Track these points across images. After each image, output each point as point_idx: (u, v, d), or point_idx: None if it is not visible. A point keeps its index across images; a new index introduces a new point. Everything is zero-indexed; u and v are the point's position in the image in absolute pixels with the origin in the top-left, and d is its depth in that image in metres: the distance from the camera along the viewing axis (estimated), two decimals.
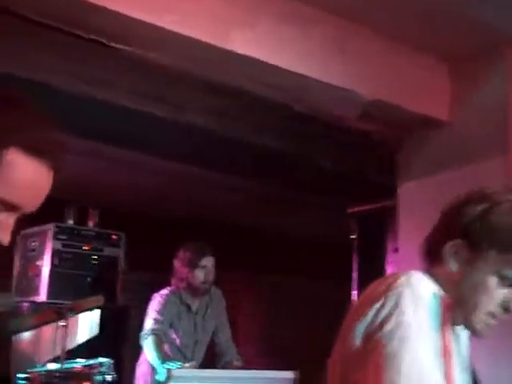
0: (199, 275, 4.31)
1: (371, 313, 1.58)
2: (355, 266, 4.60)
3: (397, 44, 3.80)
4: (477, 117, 3.97)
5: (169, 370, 3.47)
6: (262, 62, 3.32)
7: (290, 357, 5.35)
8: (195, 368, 3.92)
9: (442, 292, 1.65)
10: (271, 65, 3.34)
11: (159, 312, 4.24)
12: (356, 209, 4.58)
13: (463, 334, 1.79)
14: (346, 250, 4.65)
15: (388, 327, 1.55)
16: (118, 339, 5.13)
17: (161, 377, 3.52)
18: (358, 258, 4.62)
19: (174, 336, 4.31)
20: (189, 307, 4.38)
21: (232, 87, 3.54)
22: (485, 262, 1.65)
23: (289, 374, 3.69)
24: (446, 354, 1.65)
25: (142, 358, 4.26)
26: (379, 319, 1.57)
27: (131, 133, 3.76)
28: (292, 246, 6.02)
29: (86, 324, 3.66)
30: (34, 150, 1.21)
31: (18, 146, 1.20)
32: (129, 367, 4.88)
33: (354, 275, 4.54)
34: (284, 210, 5.36)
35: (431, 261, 1.74)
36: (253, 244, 6.25)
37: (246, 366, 4.46)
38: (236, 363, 4.33)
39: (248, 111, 3.77)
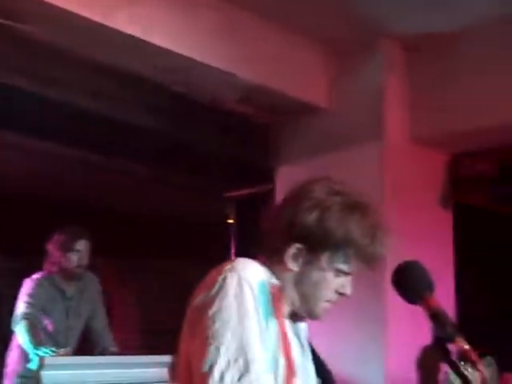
0: (73, 259, 4.19)
1: (200, 297, 1.70)
2: (233, 249, 4.64)
3: (281, 31, 3.86)
4: (354, 104, 4.10)
5: (41, 358, 3.36)
6: (145, 41, 3.26)
7: (170, 341, 5.32)
8: (69, 355, 3.83)
9: (272, 280, 1.78)
10: (155, 45, 3.29)
11: (30, 295, 4.10)
12: (234, 193, 4.60)
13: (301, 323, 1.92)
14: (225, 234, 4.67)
15: (212, 310, 1.66)
16: None
17: (33, 365, 3.39)
18: (236, 242, 4.65)
19: (46, 322, 4.18)
20: (63, 292, 4.25)
21: (113, 66, 3.45)
22: (322, 261, 1.77)
23: (166, 358, 3.66)
24: (283, 336, 1.76)
25: (13, 344, 4.10)
26: (206, 303, 1.68)
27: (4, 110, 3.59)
28: (171, 230, 5.97)
29: None
30: None
31: None
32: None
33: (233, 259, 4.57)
34: (164, 193, 5.30)
35: (269, 255, 1.83)
36: (132, 228, 6.16)
37: (125, 352, 4.41)
38: (111, 349, 4.26)
39: (128, 91, 3.69)
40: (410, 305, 1.72)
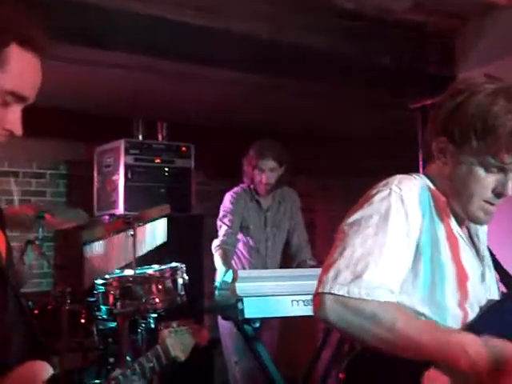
0: (258, 176, 4.37)
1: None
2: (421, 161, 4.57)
3: None
4: None
5: (235, 271, 3.61)
6: None
7: None
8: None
9: (433, 186, 1.78)
10: None
11: (231, 212, 4.39)
12: (417, 104, 4.51)
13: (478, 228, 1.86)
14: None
15: (352, 218, 1.70)
16: (194, 245, 5.35)
17: (228, 277, 3.68)
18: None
19: (247, 238, 4.47)
20: (258, 203, 4.49)
21: None
22: (467, 154, 1.71)
23: None
24: (450, 239, 1.73)
25: None
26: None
27: (183, 46, 3.81)
28: (358, 147, 5.99)
29: (154, 232, 3.84)
30: (29, 44, 1.38)
31: (17, 42, 1.36)
32: (206, 269, 5.15)
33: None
34: (345, 111, 5.32)
35: (427, 159, 1.84)
36: (331, 148, 6.26)
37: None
38: (309, 262, 4.41)
39: (297, 13, 3.73)
40: None
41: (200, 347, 2.73)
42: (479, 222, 1.80)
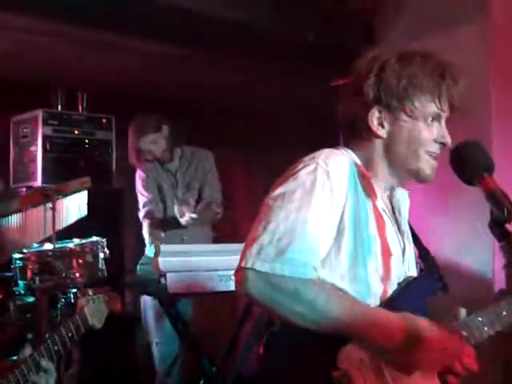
0: (148, 155, 4.44)
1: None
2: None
3: None
4: None
5: (157, 245, 3.59)
6: None
7: None
8: None
9: (359, 162, 1.80)
10: None
11: (146, 181, 4.46)
12: (339, 81, 4.54)
13: (401, 196, 1.90)
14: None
15: (276, 192, 1.71)
16: (115, 219, 5.29)
17: (150, 252, 3.66)
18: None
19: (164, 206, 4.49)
20: (167, 169, 4.54)
21: None
22: (404, 113, 1.77)
23: None
24: (376, 216, 1.76)
25: None
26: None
27: (100, 14, 3.73)
28: (276, 122, 6.04)
29: (75, 206, 3.76)
30: None
31: None
32: (127, 244, 5.10)
33: None
34: (271, 88, 5.34)
35: (350, 138, 1.85)
36: (248, 122, 6.27)
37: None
38: (213, 207, 4.42)
39: None
40: None
41: (114, 314, 2.71)
42: (428, 180, 1.83)
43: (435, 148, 1.80)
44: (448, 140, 1.80)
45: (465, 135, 1.72)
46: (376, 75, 1.76)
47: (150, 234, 4.38)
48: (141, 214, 4.49)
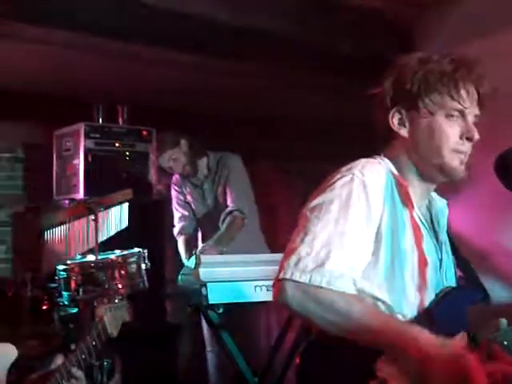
0: (171, 170, 4.51)
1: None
2: None
3: None
4: None
5: (198, 256, 3.61)
6: None
7: None
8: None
9: (395, 171, 1.81)
10: None
11: (178, 198, 4.52)
12: (376, 91, 4.54)
13: (439, 205, 1.89)
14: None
15: (314, 202, 1.73)
16: (155, 231, 5.34)
17: (191, 263, 3.69)
18: None
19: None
20: (192, 182, 4.57)
21: None
22: (422, 109, 1.79)
23: None
24: (414, 226, 1.76)
25: None
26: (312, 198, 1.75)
27: (143, 27, 3.80)
28: (318, 132, 6.04)
29: (116, 217, 3.83)
30: None
31: None
32: (167, 255, 5.15)
33: None
34: (305, 97, 5.35)
35: (383, 145, 1.88)
36: (290, 133, 6.29)
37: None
38: (238, 219, 4.27)
39: None
40: None
41: (151, 330, 2.77)
42: (457, 173, 1.82)
43: (460, 144, 1.80)
44: (474, 135, 1.80)
45: (510, 144, 1.71)
46: (394, 77, 1.80)
47: (187, 250, 4.40)
48: (175, 230, 4.55)
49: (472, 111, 1.82)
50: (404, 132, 1.81)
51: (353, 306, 1.61)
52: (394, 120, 1.80)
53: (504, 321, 1.82)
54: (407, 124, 1.81)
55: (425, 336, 1.60)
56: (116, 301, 2.72)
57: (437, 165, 1.81)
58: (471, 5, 3.96)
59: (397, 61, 1.87)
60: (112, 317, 2.62)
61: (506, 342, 1.78)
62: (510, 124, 3.50)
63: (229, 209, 4.31)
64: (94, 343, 2.52)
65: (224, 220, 4.28)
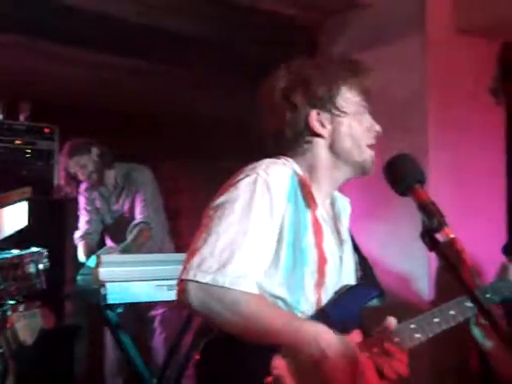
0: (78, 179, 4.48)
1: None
2: None
3: None
4: None
5: (98, 256, 3.56)
6: None
7: None
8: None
9: (300, 171, 1.83)
10: None
11: (86, 202, 4.42)
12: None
13: (342, 204, 1.94)
14: None
15: (217, 201, 1.73)
16: (56, 230, 5.22)
17: (91, 262, 3.62)
18: None
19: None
20: (101, 194, 4.53)
21: None
22: (339, 110, 1.85)
23: None
24: (315, 225, 1.79)
25: None
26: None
27: (54, 25, 3.72)
28: (221, 132, 6.07)
29: (14, 216, 3.71)
30: None
31: None
32: (68, 255, 5.04)
33: None
34: (212, 97, 5.36)
35: (284, 146, 1.88)
36: (192, 132, 6.27)
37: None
38: (145, 231, 4.31)
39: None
40: None
41: (46, 330, 2.68)
42: (371, 171, 1.91)
43: (370, 138, 1.89)
44: (378, 128, 1.90)
45: (401, 147, 1.77)
46: (301, 79, 1.83)
47: (87, 253, 4.32)
48: (77, 234, 4.50)
49: (368, 105, 1.91)
50: (325, 132, 1.85)
51: (254, 306, 1.63)
52: (314, 120, 1.83)
53: (393, 319, 1.87)
54: (327, 124, 1.85)
55: (324, 335, 1.63)
56: (29, 310, 2.60)
57: (357, 162, 1.87)
58: (373, 12, 4.06)
59: (294, 64, 1.90)
60: (26, 324, 2.51)
61: (397, 339, 1.84)
62: (399, 129, 3.62)
63: (136, 221, 4.34)
64: (1, 350, 2.40)
65: (132, 231, 4.30)
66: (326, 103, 1.83)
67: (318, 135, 1.85)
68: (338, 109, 1.84)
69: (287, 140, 1.86)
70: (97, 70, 4.98)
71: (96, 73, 5.06)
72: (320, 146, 1.86)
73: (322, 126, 1.84)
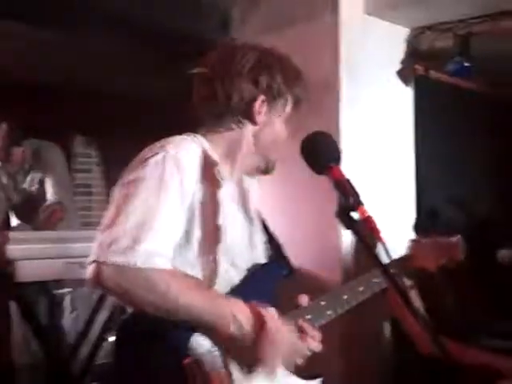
0: None
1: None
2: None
3: None
4: None
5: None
6: None
7: None
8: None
9: (209, 151, 1.83)
10: None
11: None
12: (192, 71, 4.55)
13: (249, 183, 1.96)
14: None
15: (126, 179, 1.72)
16: None
17: None
18: None
19: None
20: (7, 171, 4.42)
21: None
22: (280, 109, 1.93)
23: None
24: (223, 203, 1.80)
25: None
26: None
27: None
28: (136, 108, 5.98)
29: None
30: None
31: None
32: None
33: None
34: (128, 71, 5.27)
35: (211, 125, 1.89)
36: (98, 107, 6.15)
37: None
38: (56, 207, 4.29)
39: None
40: None
41: None
42: (271, 173, 1.97)
43: (279, 149, 1.97)
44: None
45: (315, 126, 1.80)
46: (266, 65, 1.87)
47: None
48: None
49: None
50: (260, 119, 1.87)
51: (171, 284, 1.63)
52: (258, 106, 1.86)
53: (305, 296, 1.92)
54: (264, 114, 1.88)
55: (243, 313, 1.69)
56: None
57: (270, 161, 1.93)
58: None
59: (231, 44, 1.99)
60: None
61: (309, 316, 1.89)
62: (312, 109, 3.66)
63: (48, 202, 4.27)
64: None
65: (44, 211, 4.23)
66: (276, 97, 1.88)
67: (253, 120, 1.87)
68: (280, 107, 1.90)
69: (219, 112, 1.86)
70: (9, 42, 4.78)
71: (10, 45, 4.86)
72: (248, 131, 1.88)
73: (260, 114, 1.87)
